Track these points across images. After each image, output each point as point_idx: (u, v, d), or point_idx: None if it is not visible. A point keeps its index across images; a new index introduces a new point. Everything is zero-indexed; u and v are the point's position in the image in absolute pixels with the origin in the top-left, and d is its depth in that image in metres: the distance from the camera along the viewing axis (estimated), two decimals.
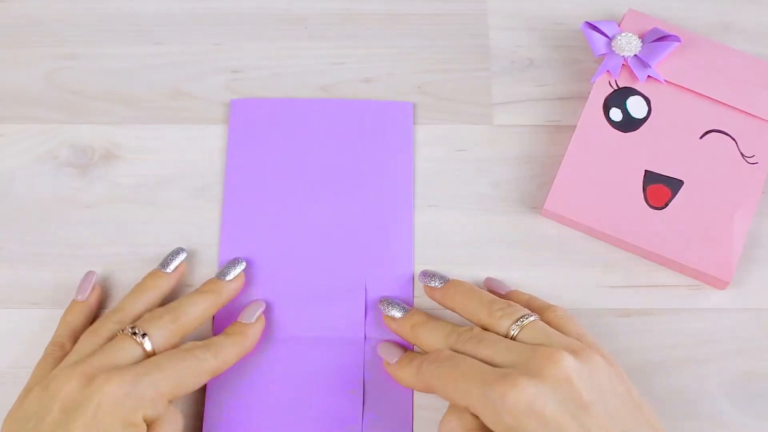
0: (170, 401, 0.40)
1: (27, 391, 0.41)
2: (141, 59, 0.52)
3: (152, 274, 0.45)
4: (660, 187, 0.48)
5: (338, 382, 0.45)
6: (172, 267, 0.46)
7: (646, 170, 0.48)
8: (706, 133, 0.49)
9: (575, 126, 0.49)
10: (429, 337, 0.43)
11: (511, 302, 0.42)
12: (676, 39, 0.50)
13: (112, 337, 0.42)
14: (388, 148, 0.49)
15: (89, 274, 0.46)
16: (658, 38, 0.50)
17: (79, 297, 0.45)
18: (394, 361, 0.43)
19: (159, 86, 0.52)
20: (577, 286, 0.47)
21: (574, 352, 0.38)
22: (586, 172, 0.48)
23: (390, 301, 0.45)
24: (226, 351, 0.42)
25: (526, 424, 0.36)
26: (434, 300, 0.45)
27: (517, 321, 0.41)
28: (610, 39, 0.51)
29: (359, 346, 0.45)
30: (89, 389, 0.38)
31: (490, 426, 0.37)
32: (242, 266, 0.46)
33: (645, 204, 0.48)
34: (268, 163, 0.49)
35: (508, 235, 0.49)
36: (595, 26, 0.51)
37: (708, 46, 0.51)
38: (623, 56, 0.50)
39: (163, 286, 0.45)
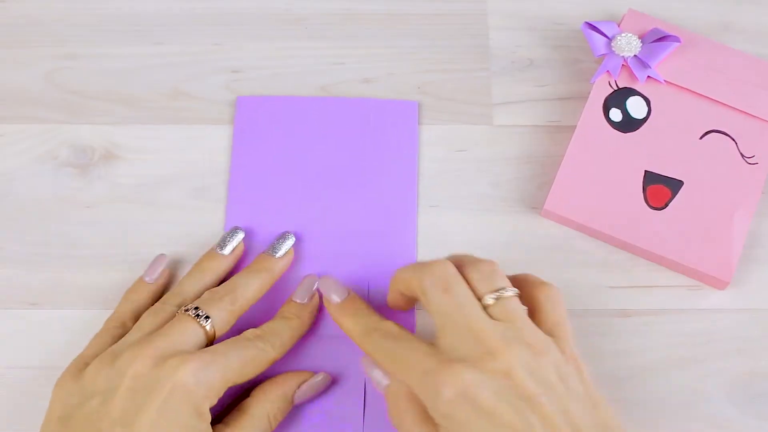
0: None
1: (81, 364, 0.41)
2: (141, 59, 0.52)
3: (210, 255, 0.46)
4: (660, 188, 0.48)
5: (339, 379, 0.45)
6: (228, 249, 0.46)
7: (645, 170, 0.48)
8: (706, 133, 0.49)
9: (575, 126, 0.49)
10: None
11: (497, 271, 0.40)
12: (676, 39, 0.50)
13: (172, 318, 0.42)
14: (393, 147, 0.50)
15: (160, 256, 0.46)
16: (658, 38, 0.50)
17: (147, 278, 0.45)
18: (336, 300, 0.43)
19: (159, 86, 0.52)
20: (577, 286, 0.47)
21: (529, 345, 0.37)
22: (586, 172, 0.48)
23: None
24: (284, 339, 0.43)
25: (459, 412, 0.35)
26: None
27: (495, 291, 0.39)
28: (610, 39, 0.51)
29: None
30: (161, 372, 0.38)
31: (429, 411, 0.37)
32: (292, 240, 0.46)
33: (645, 204, 0.48)
34: (273, 160, 0.49)
35: (508, 235, 0.49)
36: (594, 26, 0.51)
37: (708, 46, 0.51)
38: (623, 56, 0.50)
39: (219, 269, 0.45)
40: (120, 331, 0.43)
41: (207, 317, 0.41)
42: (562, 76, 0.52)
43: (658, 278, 0.48)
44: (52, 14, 0.53)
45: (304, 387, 0.43)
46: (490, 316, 0.38)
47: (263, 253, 0.46)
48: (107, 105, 0.51)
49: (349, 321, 0.42)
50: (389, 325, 0.41)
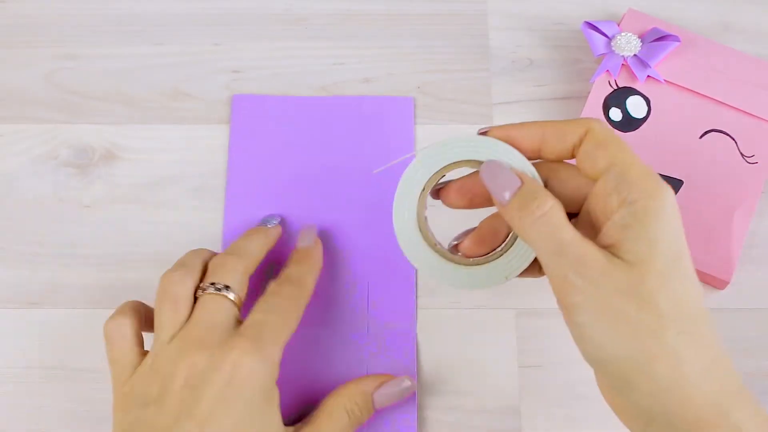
0: None
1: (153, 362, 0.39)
2: (141, 59, 0.52)
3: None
4: None
5: (341, 378, 0.45)
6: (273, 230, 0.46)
7: None
8: (706, 132, 0.49)
9: None
10: None
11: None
12: (676, 39, 0.50)
13: (193, 298, 0.40)
14: (389, 142, 0.50)
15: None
16: (657, 38, 0.50)
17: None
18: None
19: (159, 86, 0.52)
20: None
21: None
22: None
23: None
24: (306, 278, 0.43)
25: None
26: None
27: None
28: (609, 39, 0.51)
29: (362, 342, 0.45)
30: (214, 359, 0.37)
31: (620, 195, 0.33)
32: (278, 219, 0.47)
33: None
34: (271, 159, 0.49)
35: None
36: (594, 26, 0.51)
37: (708, 46, 0.51)
38: (623, 56, 0.50)
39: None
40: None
41: (227, 287, 0.40)
42: (562, 76, 0.52)
43: None
44: (52, 14, 0.53)
45: (385, 388, 0.42)
46: None
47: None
48: (107, 105, 0.51)
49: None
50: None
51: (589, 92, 0.50)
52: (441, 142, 0.37)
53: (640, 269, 0.32)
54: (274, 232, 0.46)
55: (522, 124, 0.37)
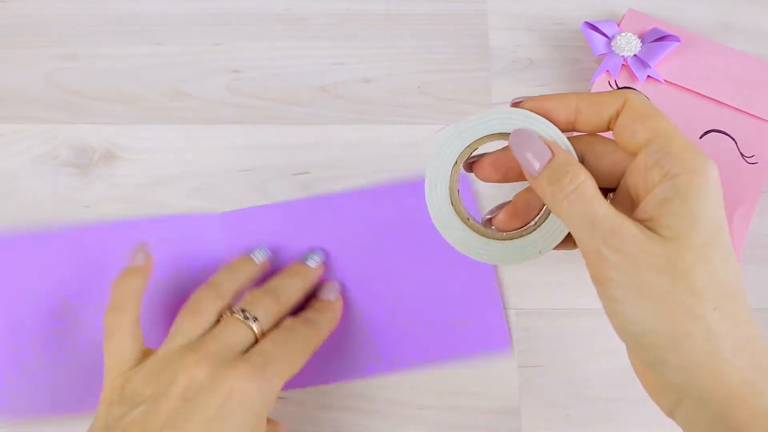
0: None
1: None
2: (141, 59, 0.52)
3: (243, 260, 0.45)
4: None
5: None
6: (260, 258, 0.45)
7: None
8: (706, 133, 0.49)
9: None
10: None
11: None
12: (676, 39, 0.50)
13: (216, 318, 0.41)
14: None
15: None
16: (657, 38, 0.50)
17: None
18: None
19: (159, 86, 0.52)
20: (578, 286, 0.47)
21: None
22: None
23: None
24: (323, 326, 0.43)
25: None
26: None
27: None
28: (609, 39, 0.51)
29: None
30: (216, 378, 0.37)
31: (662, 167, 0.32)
32: (321, 254, 0.46)
33: None
34: None
35: None
36: (594, 26, 0.51)
37: (708, 46, 0.51)
38: (623, 56, 0.50)
39: (253, 272, 0.45)
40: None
41: (255, 318, 0.40)
42: (562, 76, 0.52)
43: None
44: (52, 14, 0.53)
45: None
46: None
47: (296, 261, 0.46)
48: (107, 105, 0.51)
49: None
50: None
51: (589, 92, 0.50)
52: (473, 117, 0.36)
53: (678, 245, 0.31)
54: (314, 275, 0.45)
55: (556, 95, 0.36)
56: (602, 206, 0.32)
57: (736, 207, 0.47)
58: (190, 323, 0.40)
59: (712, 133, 0.49)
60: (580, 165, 0.34)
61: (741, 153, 0.49)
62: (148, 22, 0.53)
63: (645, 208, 0.32)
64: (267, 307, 0.41)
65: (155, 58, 0.52)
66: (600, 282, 0.32)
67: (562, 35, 0.53)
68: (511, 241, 0.37)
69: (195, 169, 0.50)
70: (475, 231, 0.37)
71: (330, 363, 0.45)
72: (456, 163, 0.37)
